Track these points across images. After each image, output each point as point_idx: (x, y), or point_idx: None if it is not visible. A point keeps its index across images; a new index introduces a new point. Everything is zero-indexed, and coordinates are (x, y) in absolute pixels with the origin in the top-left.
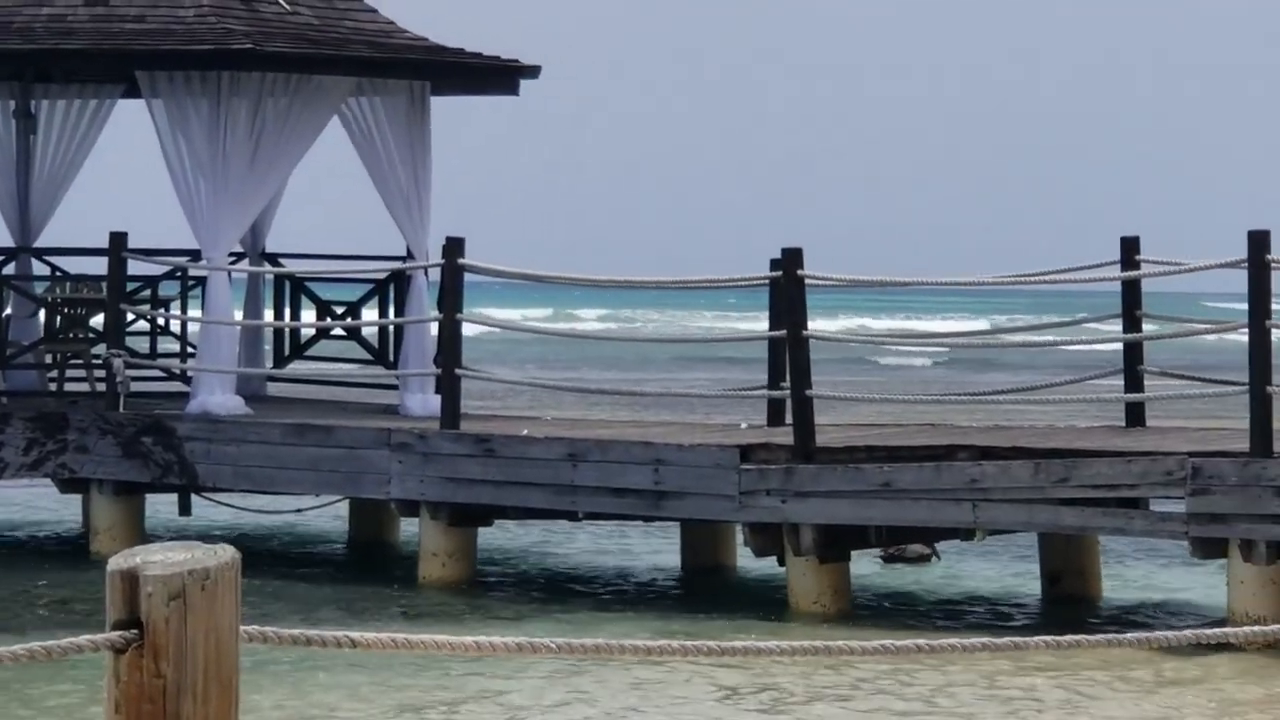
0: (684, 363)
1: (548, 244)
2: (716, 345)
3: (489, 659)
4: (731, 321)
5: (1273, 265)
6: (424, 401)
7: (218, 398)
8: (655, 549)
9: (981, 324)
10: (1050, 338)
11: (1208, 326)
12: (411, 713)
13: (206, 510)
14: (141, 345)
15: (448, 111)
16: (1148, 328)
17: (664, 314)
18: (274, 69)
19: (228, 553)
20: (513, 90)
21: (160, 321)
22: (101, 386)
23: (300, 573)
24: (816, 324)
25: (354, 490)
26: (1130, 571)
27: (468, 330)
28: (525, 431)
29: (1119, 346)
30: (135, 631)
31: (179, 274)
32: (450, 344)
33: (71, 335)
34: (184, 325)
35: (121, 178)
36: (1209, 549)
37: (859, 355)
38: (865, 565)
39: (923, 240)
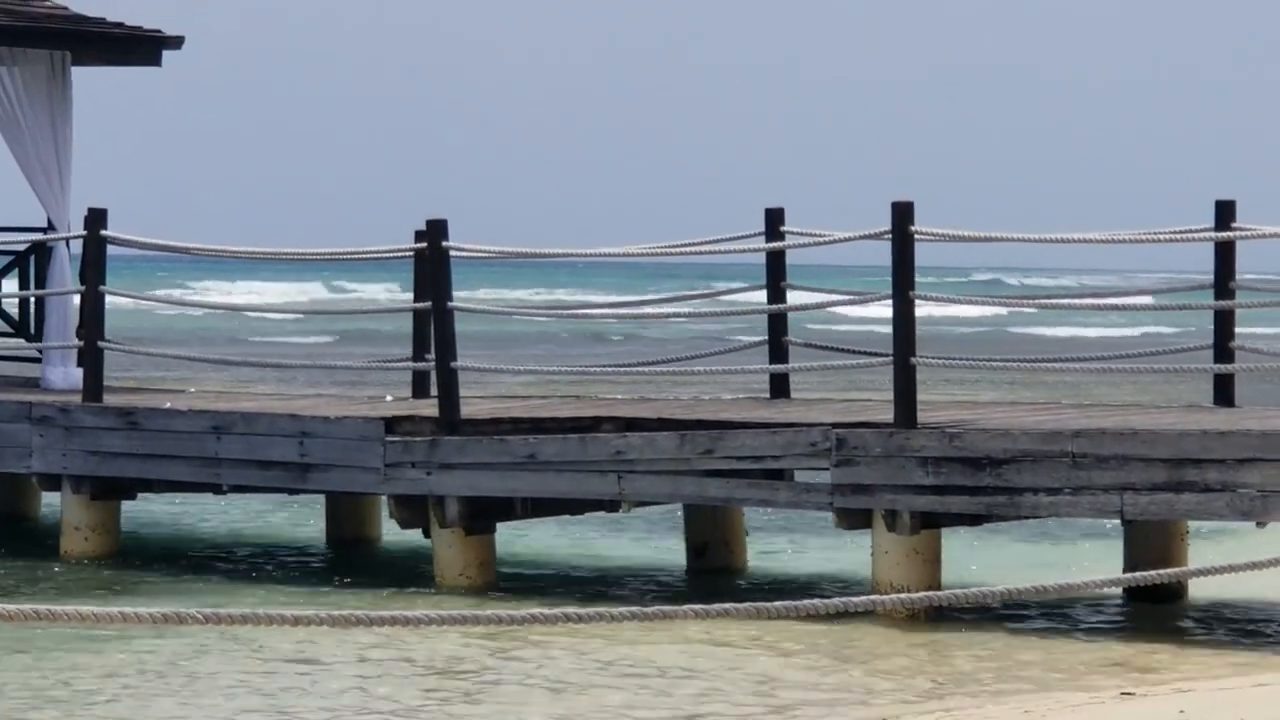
0: (335, 336)
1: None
2: (368, 318)
3: (135, 632)
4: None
5: (918, 237)
6: (66, 374)
7: None
8: (301, 522)
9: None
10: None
11: (849, 297)
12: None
13: None
14: None
15: (98, 81)
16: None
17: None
18: None
19: None
20: (155, 61)
21: None
22: None
23: None
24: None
25: None
26: (776, 543)
27: (120, 304)
28: (169, 404)
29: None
30: None
31: None
32: (93, 316)
33: None
34: None
35: None
36: (854, 520)
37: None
38: None
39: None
